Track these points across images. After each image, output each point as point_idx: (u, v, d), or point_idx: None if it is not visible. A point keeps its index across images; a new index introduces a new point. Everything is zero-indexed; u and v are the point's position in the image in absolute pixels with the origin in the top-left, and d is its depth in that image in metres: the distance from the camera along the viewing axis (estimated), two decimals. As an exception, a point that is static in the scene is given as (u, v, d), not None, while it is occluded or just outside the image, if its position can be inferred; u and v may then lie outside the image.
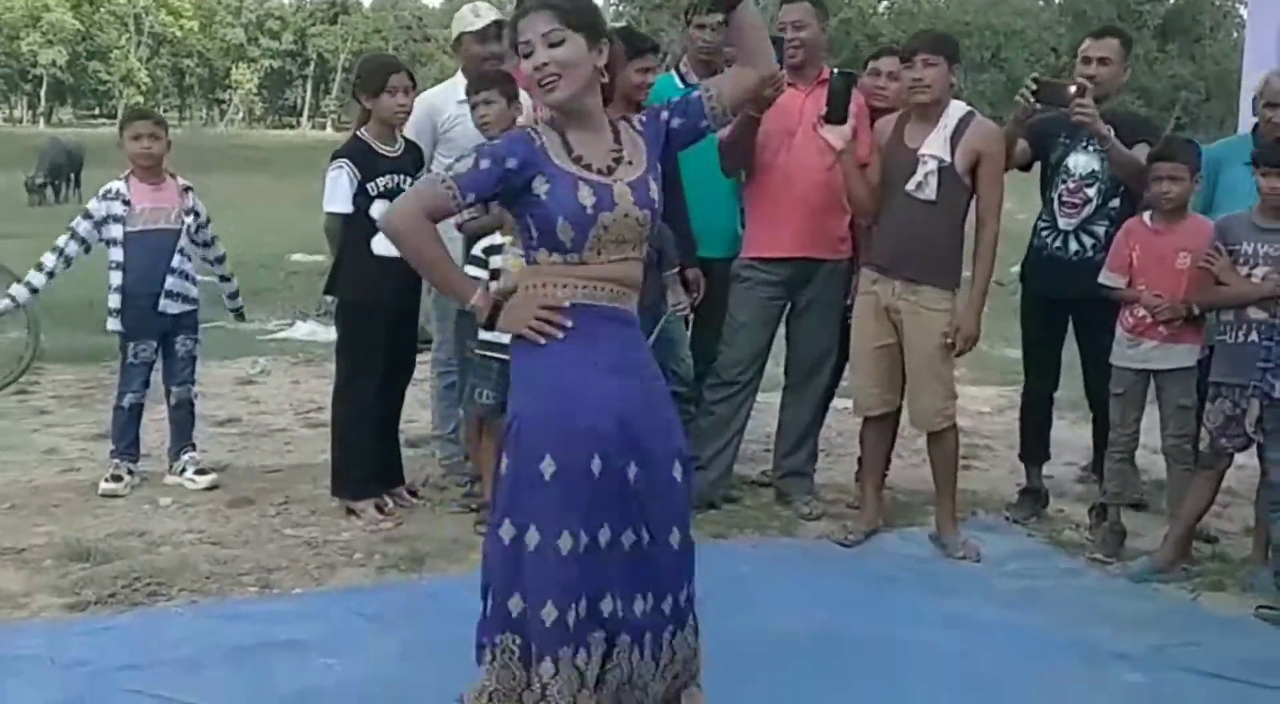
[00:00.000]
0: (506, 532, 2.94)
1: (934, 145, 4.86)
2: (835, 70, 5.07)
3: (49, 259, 5.67)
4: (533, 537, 2.91)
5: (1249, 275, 4.68)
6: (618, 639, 3.02)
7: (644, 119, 3.14)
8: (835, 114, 4.89)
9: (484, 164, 2.94)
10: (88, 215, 5.63)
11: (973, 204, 4.98)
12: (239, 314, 6.42)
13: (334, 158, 5.26)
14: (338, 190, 5.21)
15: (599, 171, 2.98)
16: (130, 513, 5.32)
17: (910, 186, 4.88)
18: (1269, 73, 5.23)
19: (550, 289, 2.98)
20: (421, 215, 2.99)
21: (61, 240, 5.65)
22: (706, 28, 5.35)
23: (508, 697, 2.96)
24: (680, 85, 5.44)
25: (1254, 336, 4.63)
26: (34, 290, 5.80)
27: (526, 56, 2.96)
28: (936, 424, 5.03)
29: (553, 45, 2.93)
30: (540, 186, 2.94)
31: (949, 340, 4.90)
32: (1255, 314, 4.65)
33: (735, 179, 5.52)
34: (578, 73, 2.95)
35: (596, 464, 2.93)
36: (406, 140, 5.39)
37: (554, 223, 2.93)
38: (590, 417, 2.93)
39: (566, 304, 2.97)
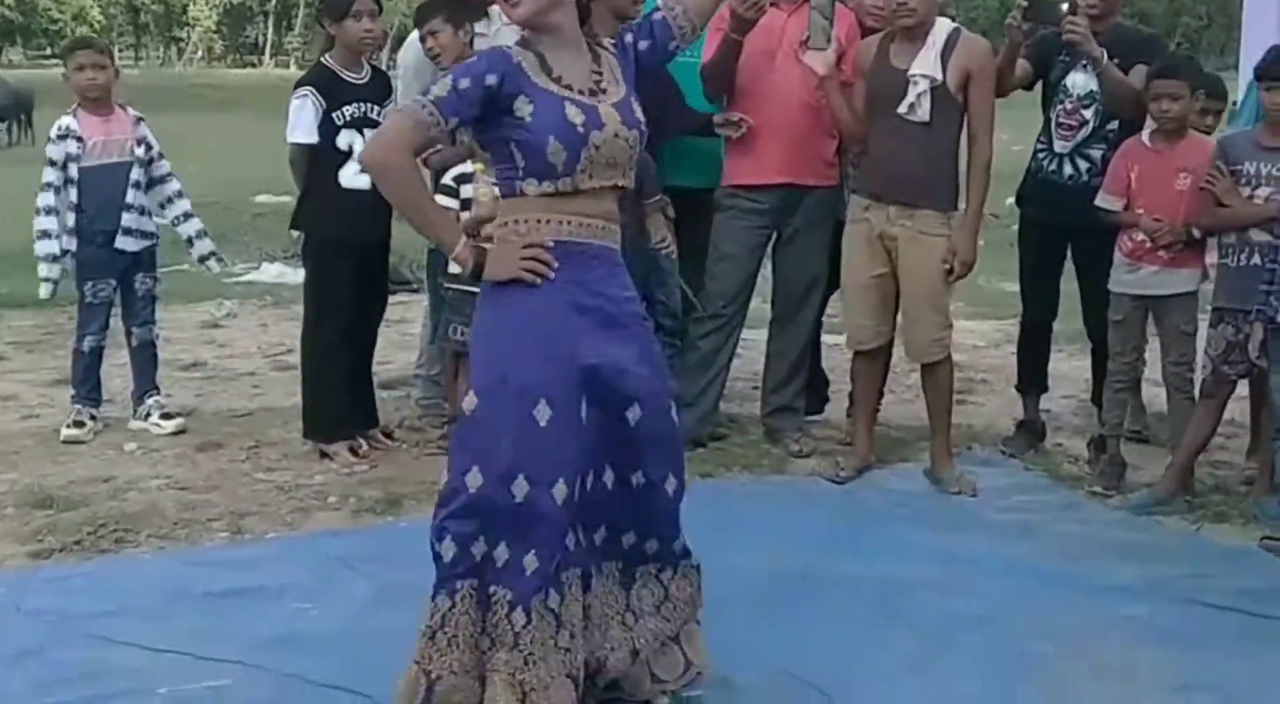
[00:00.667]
0: (475, 479, 2.82)
1: (924, 64, 4.72)
2: None
3: (46, 222, 5.40)
4: (521, 486, 2.80)
5: (1251, 196, 4.58)
6: (594, 573, 3.01)
7: (614, 41, 3.03)
8: (818, 39, 4.77)
9: (463, 83, 2.79)
10: (52, 163, 5.43)
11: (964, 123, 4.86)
12: (212, 260, 5.97)
13: (298, 86, 5.11)
14: (301, 119, 5.06)
15: (581, 92, 2.87)
16: (94, 459, 5.23)
17: (902, 109, 4.74)
18: None
19: (535, 225, 2.86)
20: (403, 148, 2.82)
21: (42, 200, 5.41)
22: None
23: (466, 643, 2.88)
24: None
25: (1257, 259, 4.54)
26: (54, 258, 5.47)
27: None
28: (933, 354, 4.92)
29: None
30: (524, 108, 2.81)
31: (945, 263, 4.78)
32: (1258, 236, 4.56)
33: (718, 103, 5.32)
34: None
35: (586, 410, 2.86)
36: (374, 67, 5.28)
37: (544, 144, 2.80)
38: (582, 363, 2.84)
39: (550, 243, 2.85)
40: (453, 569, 2.86)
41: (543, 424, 2.79)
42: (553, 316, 2.84)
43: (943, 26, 4.80)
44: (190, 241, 5.82)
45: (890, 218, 4.82)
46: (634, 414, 2.92)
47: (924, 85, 4.71)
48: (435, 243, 2.94)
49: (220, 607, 3.81)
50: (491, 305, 2.91)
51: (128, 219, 5.48)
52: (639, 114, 2.95)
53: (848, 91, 4.97)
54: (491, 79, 2.79)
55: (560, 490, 2.81)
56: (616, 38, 3.05)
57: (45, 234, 5.42)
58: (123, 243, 5.50)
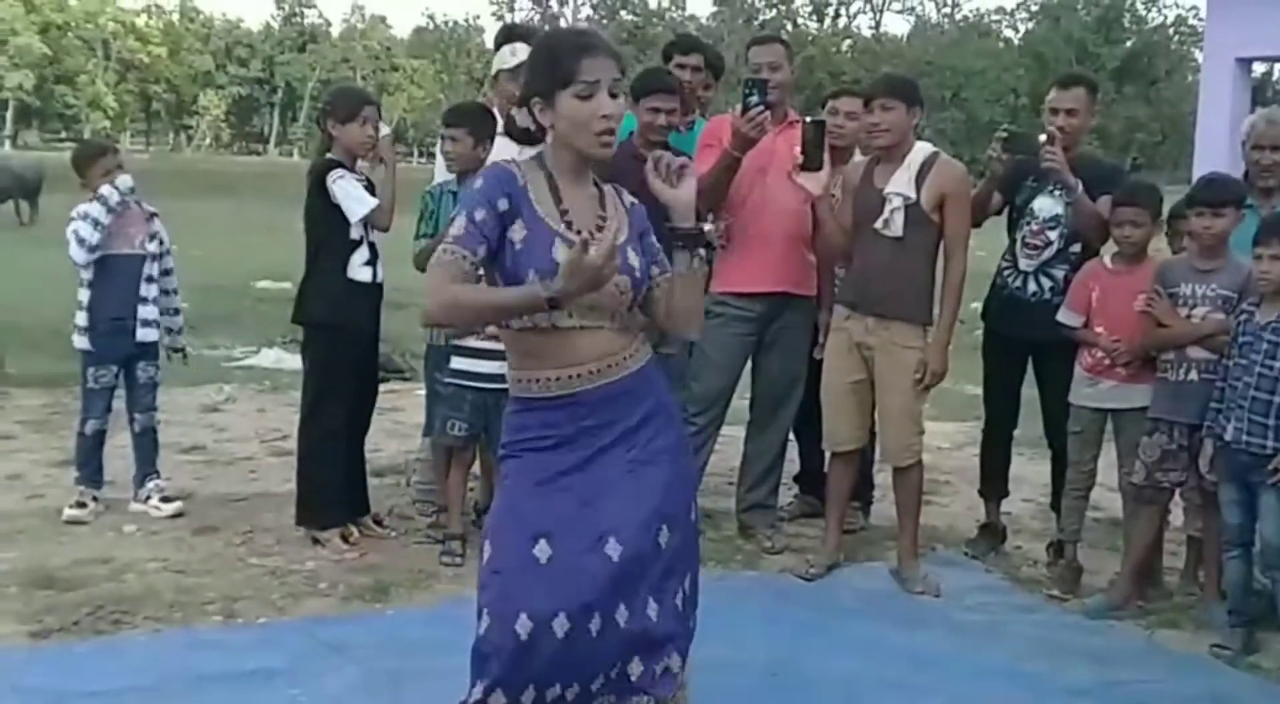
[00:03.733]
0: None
1: (899, 184, 4.95)
2: (807, 118, 5.12)
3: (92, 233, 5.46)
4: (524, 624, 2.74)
5: (1189, 316, 4.76)
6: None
7: (633, 202, 3.00)
8: (811, 162, 4.93)
9: (479, 215, 2.74)
10: (97, 224, 5.46)
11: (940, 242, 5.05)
12: (180, 354, 6.12)
13: (327, 170, 5.16)
14: (355, 190, 5.16)
15: (579, 231, 2.79)
16: (95, 540, 5.31)
17: (878, 224, 4.96)
18: (1254, 116, 5.27)
19: (530, 385, 2.84)
20: (451, 289, 2.72)
21: (84, 230, 5.47)
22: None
23: None
24: None
25: (1193, 375, 4.73)
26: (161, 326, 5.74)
27: (585, 98, 2.77)
28: (905, 459, 5.09)
29: (613, 96, 2.80)
30: (517, 233, 2.77)
31: (916, 374, 4.97)
32: (1195, 353, 4.73)
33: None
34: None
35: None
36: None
37: (524, 278, 2.73)
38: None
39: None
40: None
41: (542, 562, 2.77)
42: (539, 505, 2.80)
43: (920, 150, 5.01)
44: (168, 332, 5.96)
45: (868, 328, 5.02)
46: (619, 549, 2.84)
47: (898, 202, 4.93)
48: (532, 310, 2.71)
49: (212, 690, 3.86)
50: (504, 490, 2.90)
51: (145, 311, 5.65)
52: (633, 262, 2.86)
53: (840, 210, 5.18)
54: (503, 203, 2.76)
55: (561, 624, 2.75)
56: (638, 210, 3.00)
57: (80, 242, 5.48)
58: (143, 334, 5.65)
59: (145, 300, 5.66)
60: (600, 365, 2.83)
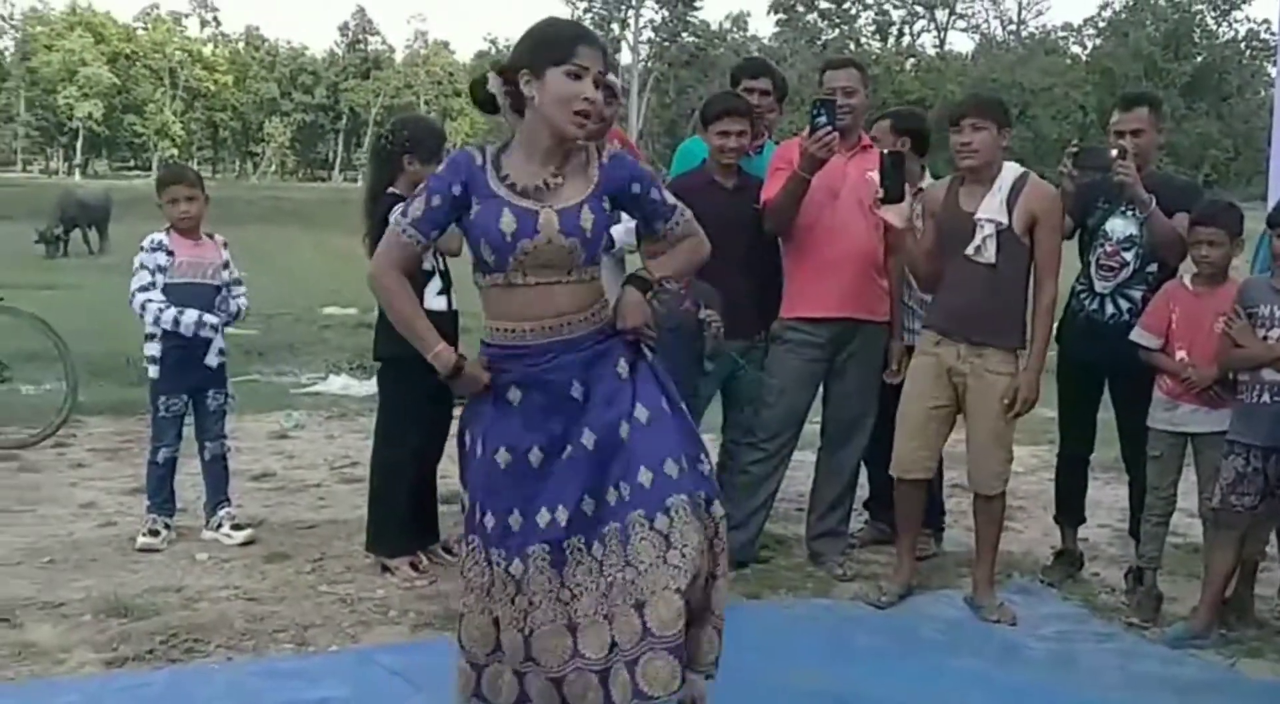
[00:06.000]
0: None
1: (990, 209, 4.85)
2: (884, 151, 5.05)
3: (167, 315, 5.54)
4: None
5: (1265, 337, 4.68)
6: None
7: (614, 156, 3.25)
8: (892, 193, 4.87)
9: (435, 201, 3.14)
10: (143, 266, 5.56)
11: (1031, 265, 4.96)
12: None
13: (394, 205, 5.00)
14: None
15: (523, 193, 3.10)
16: (167, 568, 5.34)
17: (969, 251, 4.87)
18: None
19: (493, 332, 3.22)
20: (391, 268, 3.22)
21: (145, 294, 5.55)
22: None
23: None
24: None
25: (1266, 398, 4.66)
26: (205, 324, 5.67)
27: (575, 78, 3.05)
28: (994, 487, 5.00)
29: (597, 86, 3.10)
30: (475, 208, 3.12)
31: (1006, 400, 4.88)
32: (1269, 376, 4.65)
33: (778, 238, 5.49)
34: None
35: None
36: None
37: (477, 243, 3.12)
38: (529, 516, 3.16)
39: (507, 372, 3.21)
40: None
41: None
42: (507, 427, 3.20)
43: (1010, 171, 4.91)
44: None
45: (960, 355, 4.93)
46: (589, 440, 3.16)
47: (990, 229, 4.83)
48: (418, 346, 3.26)
49: (284, 718, 3.88)
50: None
51: (216, 340, 5.68)
52: (584, 223, 3.11)
53: (924, 235, 5.07)
54: (456, 189, 3.12)
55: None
56: (621, 167, 3.24)
57: (175, 322, 5.55)
58: (211, 360, 5.68)
59: (216, 328, 5.69)
60: (555, 322, 3.14)
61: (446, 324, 5.27)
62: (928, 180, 5.63)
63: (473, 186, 3.11)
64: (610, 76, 5.65)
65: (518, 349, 3.17)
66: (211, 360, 5.69)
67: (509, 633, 3.19)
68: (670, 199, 3.34)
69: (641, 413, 3.16)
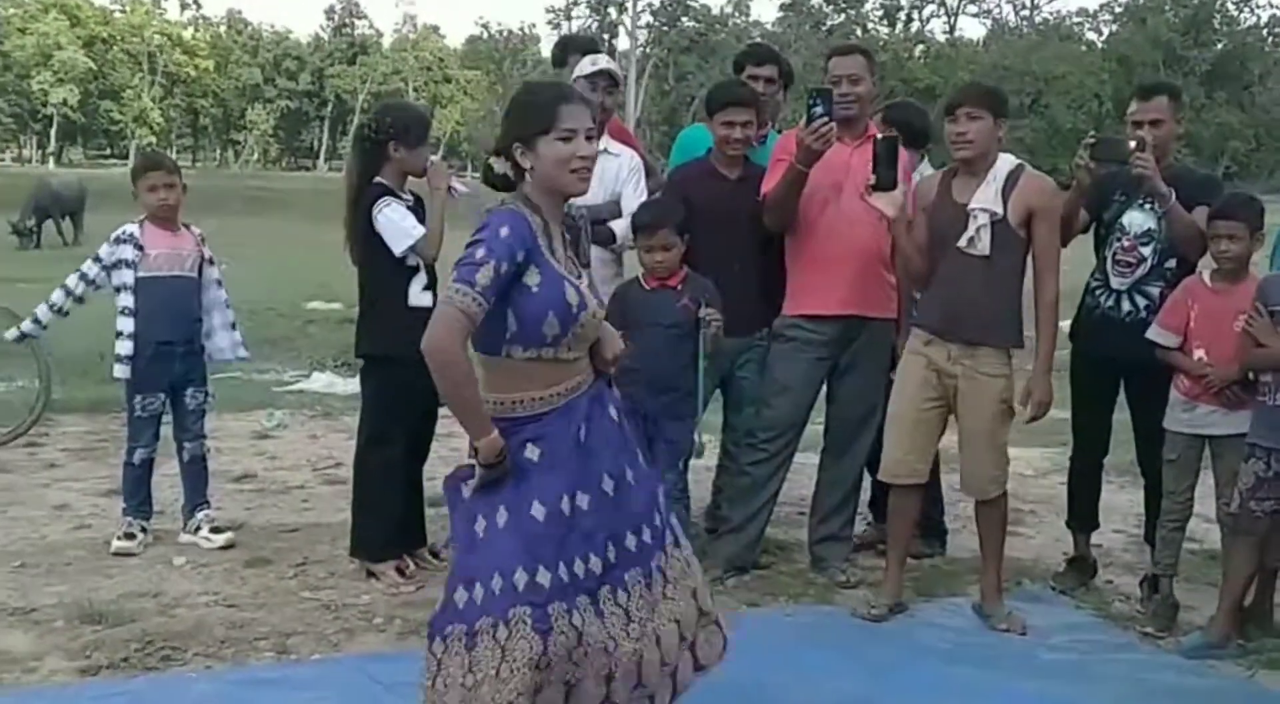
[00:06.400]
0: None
1: (984, 199, 4.72)
2: (879, 135, 4.95)
3: (57, 295, 5.64)
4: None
5: None
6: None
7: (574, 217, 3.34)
8: (884, 181, 4.77)
9: (504, 268, 2.97)
10: (97, 259, 5.56)
11: (1029, 260, 4.83)
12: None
13: (378, 198, 5.05)
14: (403, 220, 5.02)
15: (569, 272, 3.14)
16: (144, 572, 5.25)
17: (962, 243, 4.73)
18: None
19: (519, 405, 3.12)
20: (460, 340, 2.98)
21: (71, 280, 5.61)
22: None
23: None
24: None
25: None
26: (38, 322, 5.76)
27: (566, 141, 3.06)
28: (990, 491, 4.88)
29: (588, 140, 3.11)
30: (533, 278, 3.04)
31: (1017, 405, 4.77)
32: None
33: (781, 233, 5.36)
34: None
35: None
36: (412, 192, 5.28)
37: (542, 318, 3.04)
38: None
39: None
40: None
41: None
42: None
43: (1005, 162, 4.78)
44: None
45: (951, 356, 4.80)
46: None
47: (984, 219, 4.70)
48: (469, 431, 3.10)
49: (264, 730, 3.80)
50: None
51: (195, 336, 5.62)
52: (601, 293, 3.30)
53: (910, 228, 4.95)
54: (521, 256, 3.01)
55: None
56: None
57: (48, 302, 5.67)
58: (191, 359, 5.63)
59: (196, 324, 5.60)
60: (571, 386, 3.16)
61: (428, 318, 5.12)
62: (927, 170, 5.51)
63: (532, 254, 3.05)
64: (609, 64, 5.55)
65: (533, 418, 3.14)
66: (191, 360, 5.63)
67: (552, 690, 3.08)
68: None
69: (640, 461, 3.31)
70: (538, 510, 3.06)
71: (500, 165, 3.21)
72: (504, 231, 3.01)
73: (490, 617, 2.98)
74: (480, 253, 2.97)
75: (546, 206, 3.15)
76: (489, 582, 3.01)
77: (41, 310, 5.70)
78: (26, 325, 5.84)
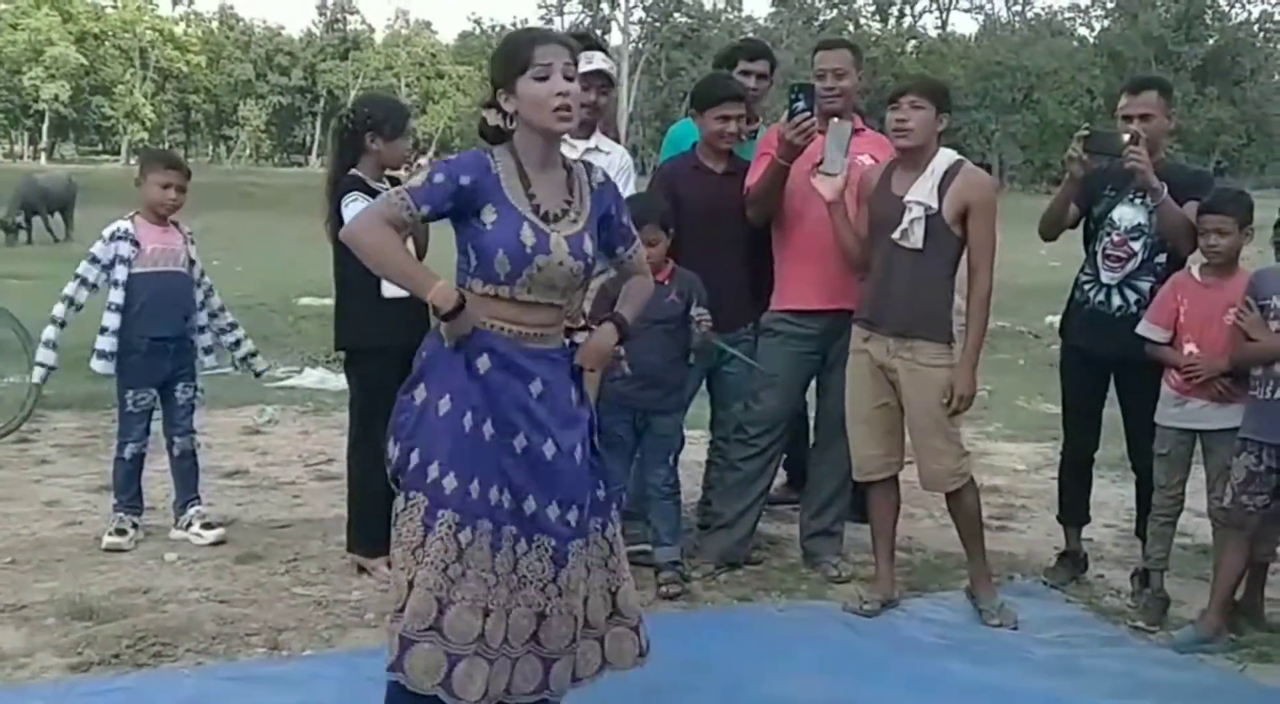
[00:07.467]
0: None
1: (920, 192, 4.71)
2: (834, 119, 4.97)
3: (60, 310, 5.54)
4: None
5: (1278, 331, 4.57)
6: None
7: (602, 182, 3.37)
8: (830, 164, 4.80)
9: (438, 178, 3.13)
10: (94, 260, 5.50)
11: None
12: (251, 367, 6.06)
13: (347, 191, 5.02)
14: None
15: (544, 217, 3.20)
16: (135, 569, 5.22)
17: (895, 235, 4.72)
18: None
19: (478, 326, 3.20)
20: (374, 224, 3.16)
21: (71, 288, 5.52)
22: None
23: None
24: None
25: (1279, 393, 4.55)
26: (53, 346, 5.63)
27: (542, 79, 3.14)
28: (950, 484, 4.86)
29: (568, 79, 3.16)
30: (488, 215, 3.15)
31: (944, 398, 4.74)
32: None
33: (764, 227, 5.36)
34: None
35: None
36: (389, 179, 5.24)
37: (493, 254, 3.14)
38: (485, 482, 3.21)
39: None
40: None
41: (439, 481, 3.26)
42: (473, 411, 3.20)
43: (944, 157, 4.77)
44: (235, 344, 5.92)
45: (890, 350, 4.79)
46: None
47: (918, 211, 4.68)
48: (414, 289, 3.21)
49: (257, 725, 3.74)
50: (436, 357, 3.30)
51: (188, 331, 5.62)
52: (588, 248, 3.27)
53: (857, 218, 4.96)
54: (465, 180, 3.13)
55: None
56: (607, 190, 3.37)
57: (54, 321, 5.55)
58: (184, 355, 5.63)
59: (189, 319, 5.60)
60: (536, 331, 3.24)
61: (409, 312, 5.10)
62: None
63: (485, 191, 3.16)
64: (604, 63, 5.53)
65: (495, 337, 3.24)
66: (183, 356, 5.63)
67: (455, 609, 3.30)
68: (632, 227, 3.51)
69: (585, 446, 3.36)
70: (487, 429, 3.19)
71: (493, 117, 3.28)
72: (454, 157, 3.25)
73: (405, 486, 3.33)
74: (425, 169, 3.22)
75: (536, 152, 3.23)
76: (402, 449, 3.32)
77: (51, 332, 5.58)
78: (46, 356, 5.65)
